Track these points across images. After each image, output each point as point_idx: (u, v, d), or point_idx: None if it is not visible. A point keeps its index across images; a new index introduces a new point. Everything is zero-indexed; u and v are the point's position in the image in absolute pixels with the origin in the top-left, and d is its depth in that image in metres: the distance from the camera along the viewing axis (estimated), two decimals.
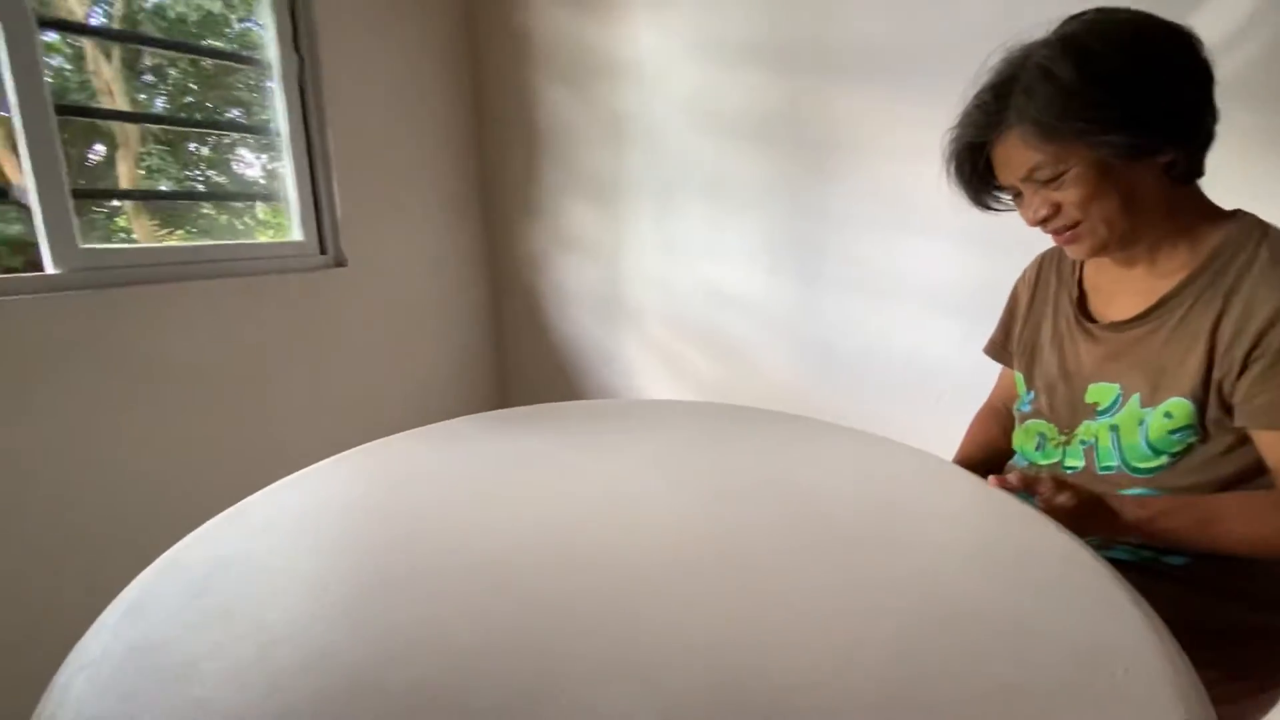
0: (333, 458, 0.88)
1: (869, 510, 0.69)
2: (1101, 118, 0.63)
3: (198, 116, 1.76)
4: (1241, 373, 0.64)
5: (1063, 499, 0.67)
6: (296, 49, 1.66)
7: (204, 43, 1.64)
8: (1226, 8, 1.07)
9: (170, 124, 1.68)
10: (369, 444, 0.93)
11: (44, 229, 1.26)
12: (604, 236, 1.96)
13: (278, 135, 1.68)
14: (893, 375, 1.53)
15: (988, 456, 0.97)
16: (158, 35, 1.60)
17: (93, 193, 1.51)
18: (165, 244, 1.61)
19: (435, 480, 0.80)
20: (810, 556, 0.60)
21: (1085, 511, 0.67)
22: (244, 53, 1.66)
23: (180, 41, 1.57)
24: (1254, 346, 0.63)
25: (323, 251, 1.76)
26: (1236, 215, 0.70)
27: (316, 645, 0.48)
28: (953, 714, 0.40)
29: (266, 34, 1.63)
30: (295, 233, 1.73)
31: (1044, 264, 0.90)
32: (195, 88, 1.84)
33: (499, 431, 0.98)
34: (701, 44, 1.66)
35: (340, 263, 1.78)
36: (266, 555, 0.62)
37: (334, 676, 0.45)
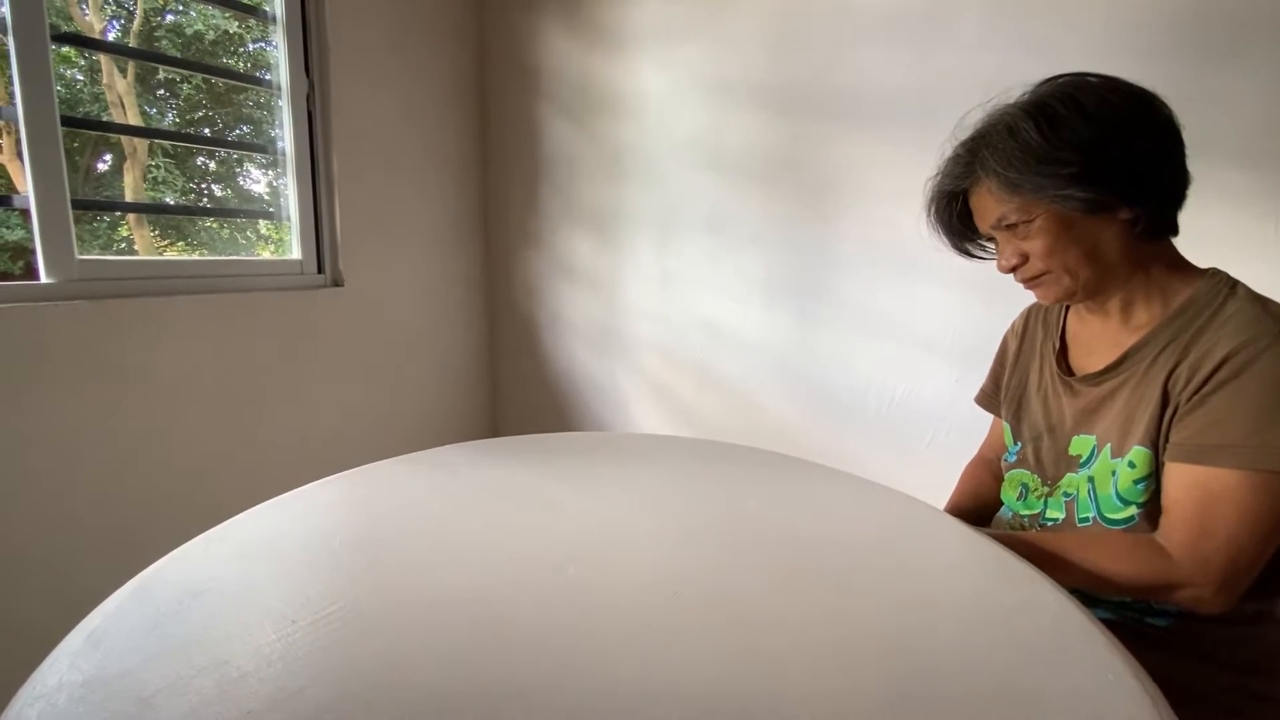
0: (316, 482, 0.87)
1: (858, 557, 0.68)
2: (1059, 174, 0.66)
3: (206, 132, 1.79)
4: (1187, 413, 0.65)
5: None
6: (307, 73, 1.68)
7: (217, 61, 1.67)
8: (1219, 75, 1.09)
9: (174, 139, 1.70)
10: (353, 470, 0.92)
11: (41, 239, 1.27)
12: (602, 268, 1.97)
13: (283, 154, 1.69)
14: (885, 417, 1.53)
15: (978, 506, 0.96)
16: (174, 52, 1.63)
17: (93, 204, 1.51)
18: (162, 257, 1.61)
19: (416, 510, 0.79)
20: (795, 604, 0.59)
21: None
22: (255, 73, 1.69)
23: (190, 60, 1.59)
24: (1200, 388, 0.64)
25: (320, 271, 1.77)
26: (1209, 273, 0.72)
27: (279, 684, 0.46)
28: None
29: (279, 56, 1.66)
30: (294, 251, 1.73)
31: (1032, 315, 0.91)
32: (206, 103, 1.87)
33: (485, 462, 0.97)
34: (705, 84, 1.69)
35: (338, 283, 1.78)
36: (236, 583, 0.61)
37: (294, 718, 0.43)
